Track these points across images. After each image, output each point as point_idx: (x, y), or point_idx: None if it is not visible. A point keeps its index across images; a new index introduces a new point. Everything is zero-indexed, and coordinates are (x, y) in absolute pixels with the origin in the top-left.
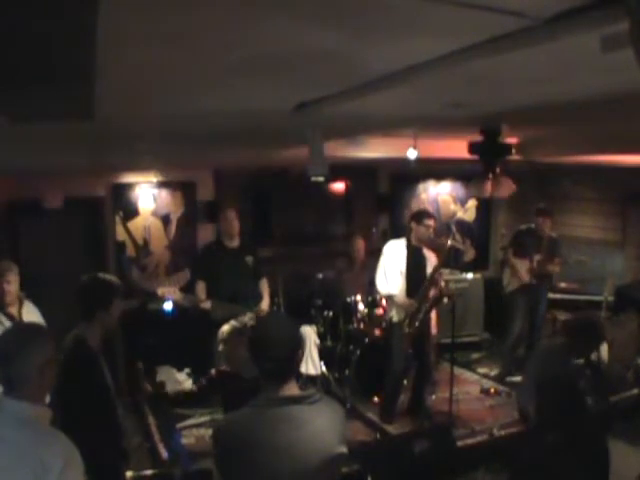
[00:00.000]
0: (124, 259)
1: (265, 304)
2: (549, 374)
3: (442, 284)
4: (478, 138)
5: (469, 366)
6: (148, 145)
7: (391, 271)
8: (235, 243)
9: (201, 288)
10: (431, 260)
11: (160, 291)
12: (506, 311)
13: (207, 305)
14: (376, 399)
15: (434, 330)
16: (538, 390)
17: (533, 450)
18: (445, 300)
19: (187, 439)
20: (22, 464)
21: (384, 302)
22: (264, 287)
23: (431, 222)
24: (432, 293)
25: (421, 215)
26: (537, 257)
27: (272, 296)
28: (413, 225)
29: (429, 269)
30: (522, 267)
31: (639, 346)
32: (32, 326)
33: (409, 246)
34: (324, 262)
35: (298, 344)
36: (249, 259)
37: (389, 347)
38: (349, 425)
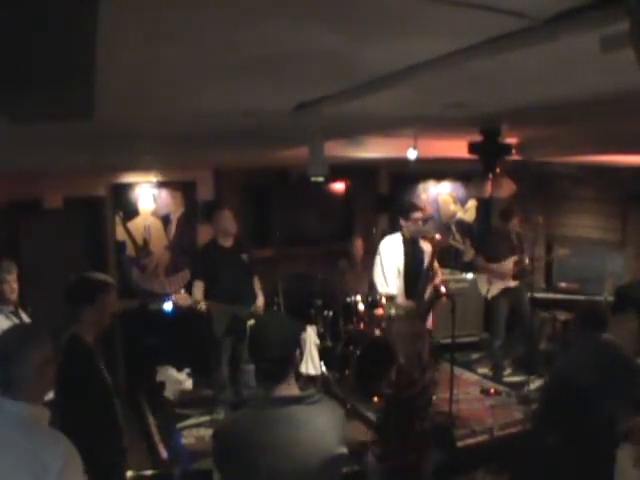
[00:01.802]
0: (124, 259)
1: (260, 302)
2: (554, 373)
3: (437, 281)
4: (478, 138)
5: (469, 366)
6: (148, 145)
7: (389, 270)
8: (230, 242)
9: (198, 288)
10: (427, 251)
11: (173, 297)
12: (489, 316)
13: (202, 307)
14: (376, 399)
15: (430, 324)
16: (543, 390)
17: (533, 450)
18: (444, 299)
19: (187, 439)
20: (21, 465)
21: (384, 301)
22: (257, 285)
23: (418, 214)
24: (429, 291)
25: (406, 210)
26: (513, 258)
27: (272, 296)
28: (402, 222)
29: (427, 260)
30: (500, 270)
31: (639, 346)
32: (32, 326)
33: (405, 240)
34: (324, 262)
35: (294, 345)
36: (244, 257)
37: (389, 344)
38: (349, 425)
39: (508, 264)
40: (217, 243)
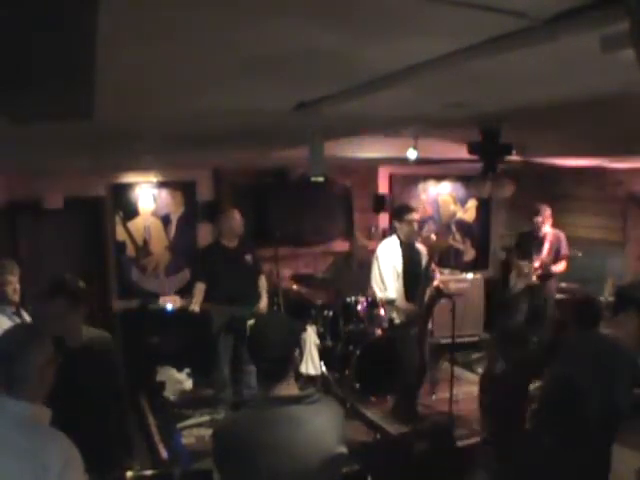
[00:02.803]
0: (124, 259)
1: (263, 303)
2: (555, 373)
3: (437, 281)
4: (478, 138)
5: (469, 366)
6: (148, 145)
7: (387, 274)
8: (234, 243)
9: (199, 289)
10: (424, 254)
11: (162, 300)
12: (509, 312)
13: (196, 308)
14: (373, 399)
15: (430, 324)
16: (542, 389)
17: (532, 450)
18: (442, 300)
19: (187, 439)
20: (22, 464)
21: (383, 306)
22: (263, 285)
23: (413, 216)
24: (428, 293)
25: (401, 212)
26: (541, 257)
27: (272, 296)
28: (396, 224)
29: (424, 262)
30: (526, 268)
31: (639, 346)
32: (34, 326)
33: (402, 243)
34: (324, 262)
35: (294, 345)
36: (248, 258)
37: (395, 350)
38: (349, 425)
39: (533, 264)
40: (220, 244)
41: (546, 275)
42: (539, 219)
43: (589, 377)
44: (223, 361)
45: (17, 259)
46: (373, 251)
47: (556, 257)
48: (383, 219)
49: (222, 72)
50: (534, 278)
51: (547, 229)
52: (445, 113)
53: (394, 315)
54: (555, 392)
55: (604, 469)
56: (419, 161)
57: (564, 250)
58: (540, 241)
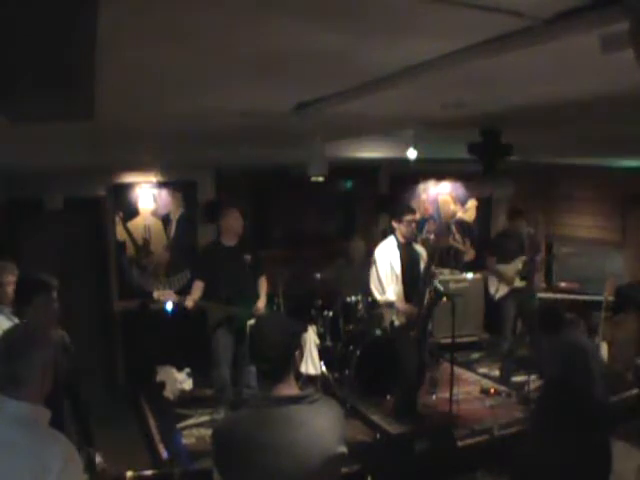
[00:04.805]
0: (124, 259)
1: (261, 303)
2: (555, 371)
3: (436, 282)
4: (478, 138)
5: (469, 366)
6: (148, 145)
7: (386, 277)
8: (234, 242)
9: (198, 287)
10: (423, 255)
11: (156, 294)
12: (496, 317)
13: (189, 303)
14: (374, 399)
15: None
16: (541, 388)
17: (532, 450)
18: (443, 300)
19: (187, 439)
20: (21, 465)
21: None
22: (262, 285)
23: (411, 217)
24: (428, 294)
25: (400, 212)
26: (522, 258)
27: (272, 296)
28: (395, 225)
29: (423, 264)
30: (508, 272)
31: (639, 346)
32: (37, 326)
33: (399, 245)
34: (324, 262)
35: (293, 345)
36: (247, 257)
37: (395, 350)
38: (349, 425)
39: (517, 265)
40: (220, 243)
41: (529, 273)
42: (520, 219)
43: (576, 378)
44: (223, 361)
45: (17, 259)
46: (372, 251)
47: (532, 259)
48: (383, 219)
49: (222, 72)
50: (517, 280)
51: (523, 230)
52: (445, 113)
53: (394, 317)
54: (552, 393)
55: (604, 468)
56: (419, 161)
57: (538, 257)
58: (521, 242)
